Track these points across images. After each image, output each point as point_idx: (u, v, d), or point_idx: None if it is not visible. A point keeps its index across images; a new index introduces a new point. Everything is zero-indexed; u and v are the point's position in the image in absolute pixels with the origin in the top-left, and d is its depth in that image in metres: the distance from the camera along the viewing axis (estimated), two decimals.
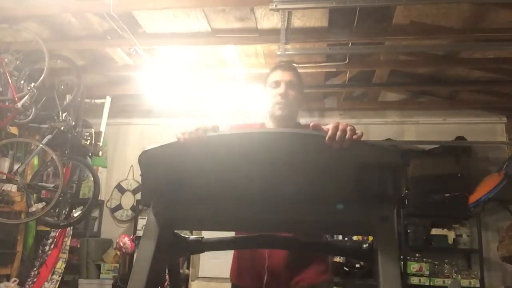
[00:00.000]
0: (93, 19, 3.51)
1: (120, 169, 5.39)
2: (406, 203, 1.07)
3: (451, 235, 4.35)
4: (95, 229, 5.22)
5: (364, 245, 1.15)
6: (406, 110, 5.06)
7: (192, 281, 4.77)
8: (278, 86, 1.72)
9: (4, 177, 3.69)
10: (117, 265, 4.72)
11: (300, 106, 1.79)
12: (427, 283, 4.23)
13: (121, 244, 4.59)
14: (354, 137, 1.02)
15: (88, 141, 3.99)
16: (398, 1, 2.93)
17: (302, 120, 1.86)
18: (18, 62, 3.65)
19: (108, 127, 4.43)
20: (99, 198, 4.57)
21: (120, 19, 3.19)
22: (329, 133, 1.01)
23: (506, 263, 4.14)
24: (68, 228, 4.48)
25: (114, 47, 3.89)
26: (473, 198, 4.27)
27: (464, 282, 4.17)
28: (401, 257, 4.20)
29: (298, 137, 1.05)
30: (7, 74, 3.55)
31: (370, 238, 1.13)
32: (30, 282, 4.31)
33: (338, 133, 1.01)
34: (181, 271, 4.42)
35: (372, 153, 1.02)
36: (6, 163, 4.01)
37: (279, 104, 1.70)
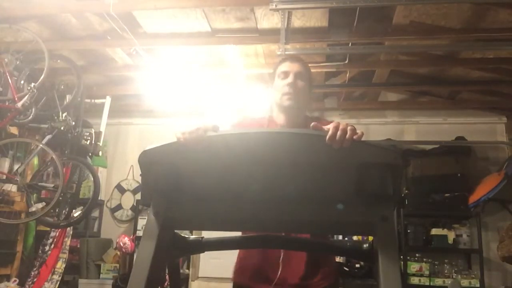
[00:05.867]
0: (93, 19, 3.51)
1: (120, 169, 5.40)
2: (406, 203, 1.07)
3: (451, 235, 4.34)
4: (95, 229, 5.22)
5: (364, 245, 1.15)
6: (406, 110, 5.06)
7: (192, 281, 4.77)
8: (286, 77, 1.68)
9: (4, 177, 3.69)
10: (117, 265, 4.72)
11: (309, 98, 1.75)
12: (427, 283, 4.22)
13: (121, 244, 4.59)
14: (355, 137, 1.02)
15: (88, 141, 3.99)
16: (398, 1, 2.93)
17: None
18: (18, 62, 3.64)
19: (108, 127, 4.43)
20: (99, 198, 4.57)
21: (120, 19, 3.19)
22: (330, 133, 1.01)
23: (506, 263, 4.13)
24: (68, 228, 4.48)
25: (114, 47, 3.89)
26: (473, 198, 4.27)
27: (464, 282, 4.17)
28: (401, 257, 4.19)
29: (299, 137, 1.05)
30: (7, 74, 3.55)
31: (370, 238, 1.13)
32: (30, 282, 4.31)
33: (339, 133, 1.01)
34: (181, 271, 4.42)
35: (372, 153, 1.02)
36: (6, 163, 4.00)
37: (288, 95, 1.65)
